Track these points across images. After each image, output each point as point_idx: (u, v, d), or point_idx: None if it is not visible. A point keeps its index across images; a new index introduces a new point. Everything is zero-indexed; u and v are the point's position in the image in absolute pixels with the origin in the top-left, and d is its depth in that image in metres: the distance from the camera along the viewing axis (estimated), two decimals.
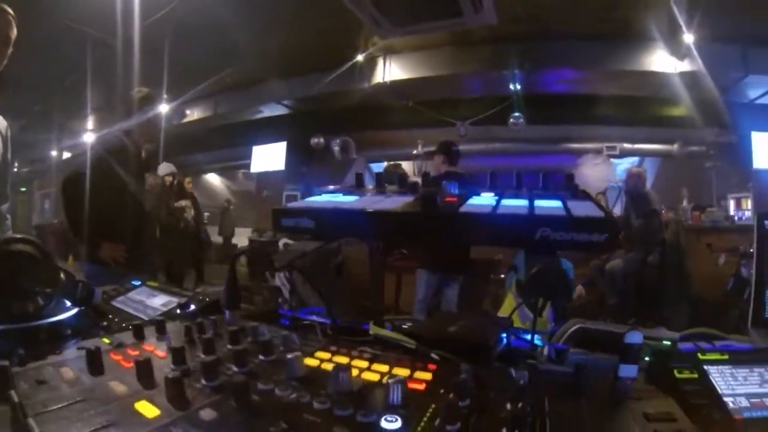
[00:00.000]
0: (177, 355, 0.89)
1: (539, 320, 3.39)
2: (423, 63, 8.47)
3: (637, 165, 10.62)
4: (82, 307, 1.36)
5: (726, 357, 0.96)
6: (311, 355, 0.95)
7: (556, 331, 1.43)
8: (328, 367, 0.91)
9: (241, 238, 12.59)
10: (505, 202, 1.09)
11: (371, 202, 1.16)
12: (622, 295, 6.11)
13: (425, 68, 8.46)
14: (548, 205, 1.03)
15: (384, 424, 0.67)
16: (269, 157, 11.05)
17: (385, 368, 0.90)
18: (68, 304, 1.31)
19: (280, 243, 6.87)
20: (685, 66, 7.58)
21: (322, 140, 10.37)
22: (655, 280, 6.10)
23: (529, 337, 1.23)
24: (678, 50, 7.38)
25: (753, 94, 8.69)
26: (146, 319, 1.38)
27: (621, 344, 0.87)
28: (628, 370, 0.86)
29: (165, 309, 1.46)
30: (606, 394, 0.86)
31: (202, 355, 0.94)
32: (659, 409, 0.82)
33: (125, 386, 0.81)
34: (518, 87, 8.41)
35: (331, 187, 1.43)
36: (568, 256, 4.55)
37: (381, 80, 8.58)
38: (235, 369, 0.88)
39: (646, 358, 1.00)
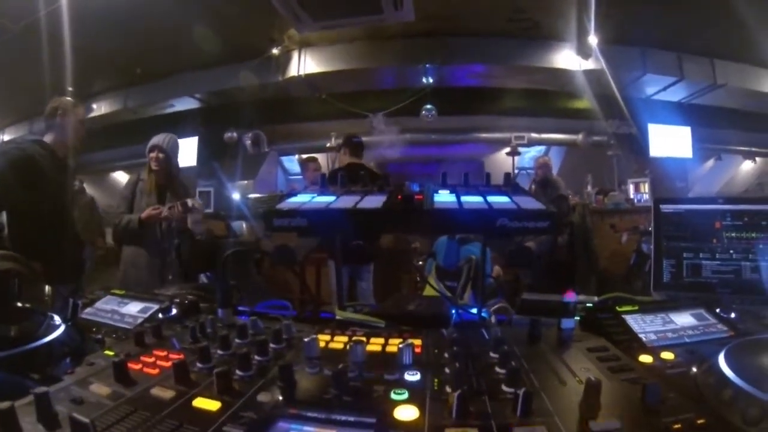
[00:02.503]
0: (204, 354, 0.98)
1: (461, 302, 3.65)
2: (337, 56, 8.49)
3: (543, 154, 11.14)
4: (69, 323, 1.28)
5: (637, 307, 1.32)
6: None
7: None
8: (336, 345, 1.08)
9: None
10: (465, 198, 1.30)
11: (352, 201, 1.30)
12: (536, 273, 6.42)
13: (340, 62, 8.48)
14: (499, 200, 1.28)
15: (407, 377, 0.85)
16: (181, 153, 10.44)
17: (381, 341, 1.09)
18: (57, 320, 1.23)
19: None
20: (589, 65, 8.07)
21: (234, 134, 10.12)
22: (566, 259, 6.44)
23: (475, 310, 1.46)
24: (583, 50, 7.83)
25: (650, 90, 9.44)
26: (129, 327, 1.40)
27: (561, 303, 1.17)
28: (568, 322, 1.17)
29: (146, 315, 1.46)
30: (555, 340, 1.12)
31: (220, 351, 1.04)
32: (596, 344, 1.08)
33: (169, 390, 0.86)
34: (430, 80, 8.58)
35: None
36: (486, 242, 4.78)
37: (296, 74, 8.55)
38: (258, 358, 0.98)
39: (577, 318, 1.26)
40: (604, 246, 6.91)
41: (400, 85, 9.25)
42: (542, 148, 11.26)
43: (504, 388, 0.82)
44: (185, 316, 1.41)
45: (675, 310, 1.29)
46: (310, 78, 8.64)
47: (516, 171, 9.55)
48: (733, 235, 1.79)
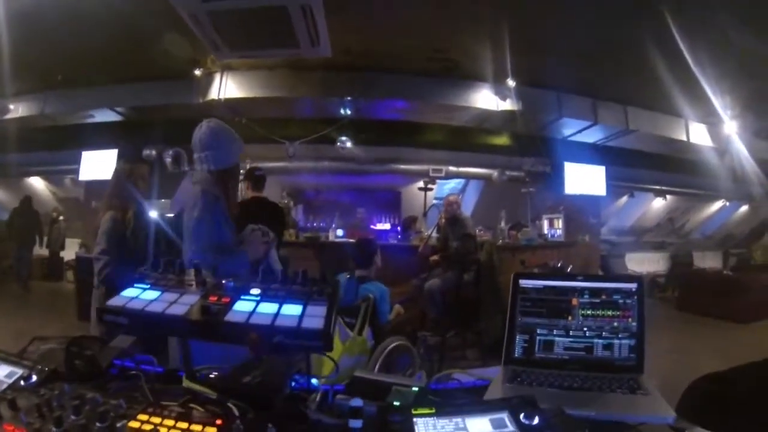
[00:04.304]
0: None
1: (359, 339, 3.70)
2: (258, 83, 8.46)
3: (462, 187, 11.40)
4: None
5: (433, 410, 1.26)
6: (134, 418, 1.16)
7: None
8: (147, 427, 1.15)
9: (71, 251, 12.05)
10: (261, 307, 1.39)
11: (165, 302, 1.40)
12: (440, 310, 6.53)
13: (260, 88, 8.46)
14: (290, 311, 1.37)
15: None
16: (99, 165, 10.15)
17: (185, 425, 1.15)
18: None
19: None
20: (507, 105, 8.33)
21: (154, 152, 9.94)
22: (472, 296, 6.56)
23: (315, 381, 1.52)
24: (501, 91, 8.10)
25: (567, 132, 9.79)
26: None
27: (385, 387, 1.29)
28: (354, 423, 1.20)
29: (10, 381, 1.47)
30: None
31: (54, 429, 1.11)
32: None
33: None
34: (348, 112, 8.65)
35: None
36: (384, 281, 4.94)
37: (216, 97, 8.48)
38: None
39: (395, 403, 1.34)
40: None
41: (320, 114, 9.30)
42: (461, 180, 11.53)
43: None
44: (44, 384, 1.42)
45: (477, 413, 1.24)
46: (230, 102, 8.58)
47: (434, 202, 9.73)
48: (589, 312, 1.84)
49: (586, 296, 1.86)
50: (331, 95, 8.49)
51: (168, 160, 9.83)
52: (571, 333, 1.84)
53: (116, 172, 4.10)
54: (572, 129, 9.55)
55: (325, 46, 5.53)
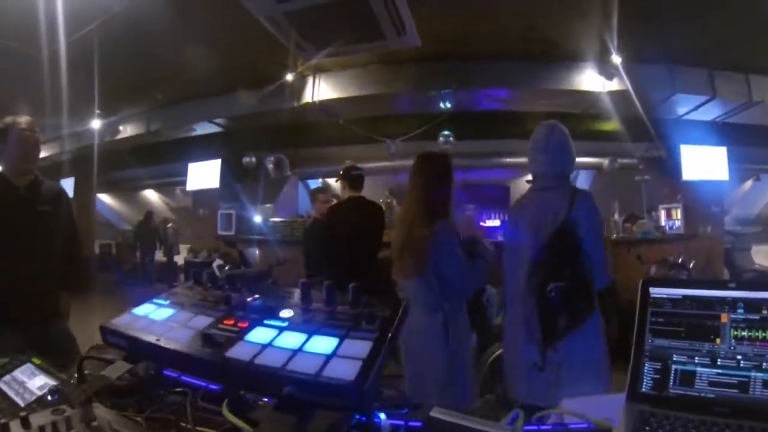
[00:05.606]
0: None
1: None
2: (351, 82, 8.42)
3: (572, 177, 10.81)
4: None
5: None
6: None
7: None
8: None
9: (182, 256, 12.82)
10: (281, 338, 1.07)
11: (170, 327, 1.22)
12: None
13: (354, 87, 8.42)
14: (317, 347, 1.02)
15: None
16: (204, 175, 10.83)
17: None
18: None
19: (214, 264, 6.69)
20: (613, 85, 7.79)
21: (253, 159, 10.28)
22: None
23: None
24: (606, 70, 7.54)
25: (681, 110, 9.06)
26: (22, 404, 1.34)
27: None
28: None
29: (40, 394, 1.39)
30: None
31: None
32: None
33: None
34: (448, 105, 8.39)
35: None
36: (492, 281, 4.58)
37: (310, 100, 8.52)
38: None
39: None
40: (629, 279, 6.50)
41: (417, 110, 9.16)
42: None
43: None
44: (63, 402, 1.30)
45: None
46: (325, 104, 8.60)
47: None
48: (744, 333, 1.30)
49: (740, 311, 1.33)
50: (427, 88, 8.30)
51: (270, 166, 10.09)
52: (719, 362, 1.30)
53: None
54: (687, 106, 8.82)
55: (412, 35, 5.31)
